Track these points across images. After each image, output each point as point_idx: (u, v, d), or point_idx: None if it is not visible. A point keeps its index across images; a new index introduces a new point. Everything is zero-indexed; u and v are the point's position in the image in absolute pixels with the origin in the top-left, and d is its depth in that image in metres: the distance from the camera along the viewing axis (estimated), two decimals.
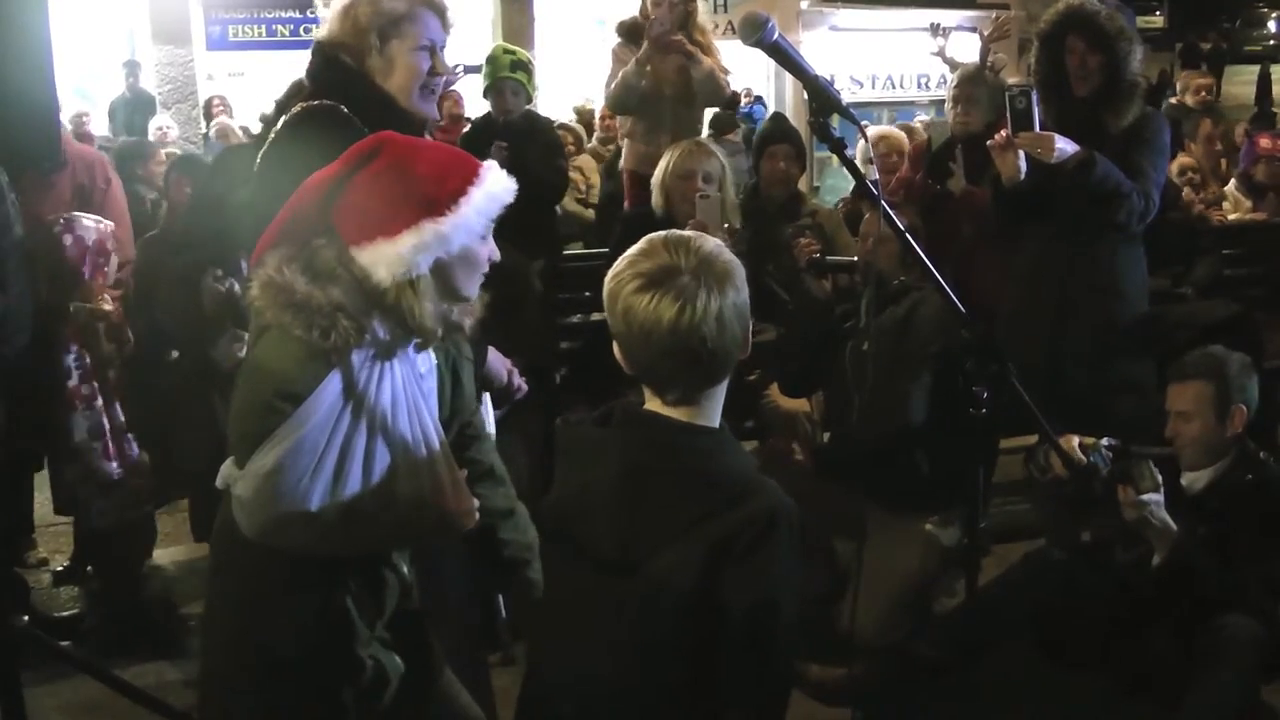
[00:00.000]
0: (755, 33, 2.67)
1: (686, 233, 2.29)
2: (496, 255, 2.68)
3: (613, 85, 6.19)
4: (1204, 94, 9.48)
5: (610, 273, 2.26)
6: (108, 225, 5.00)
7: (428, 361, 2.73)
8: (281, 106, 3.42)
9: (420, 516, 2.65)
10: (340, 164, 2.53)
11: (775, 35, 2.68)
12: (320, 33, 3.46)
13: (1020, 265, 5.05)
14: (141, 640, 4.87)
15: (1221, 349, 4.17)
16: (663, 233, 2.28)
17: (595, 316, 6.01)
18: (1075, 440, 3.88)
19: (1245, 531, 3.93)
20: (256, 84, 16.31)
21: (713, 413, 2.31)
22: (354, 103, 3.27)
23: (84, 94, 14.06)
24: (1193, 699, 3.77)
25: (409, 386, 2.62)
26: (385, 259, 2.43)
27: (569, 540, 2.35)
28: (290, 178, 2.72)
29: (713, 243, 2.27)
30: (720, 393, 2.31)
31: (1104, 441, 3.91)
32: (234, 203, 4.13)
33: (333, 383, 2.47)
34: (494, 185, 2.55)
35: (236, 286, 4.80)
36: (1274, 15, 36.65)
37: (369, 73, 3.33)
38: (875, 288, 4.66)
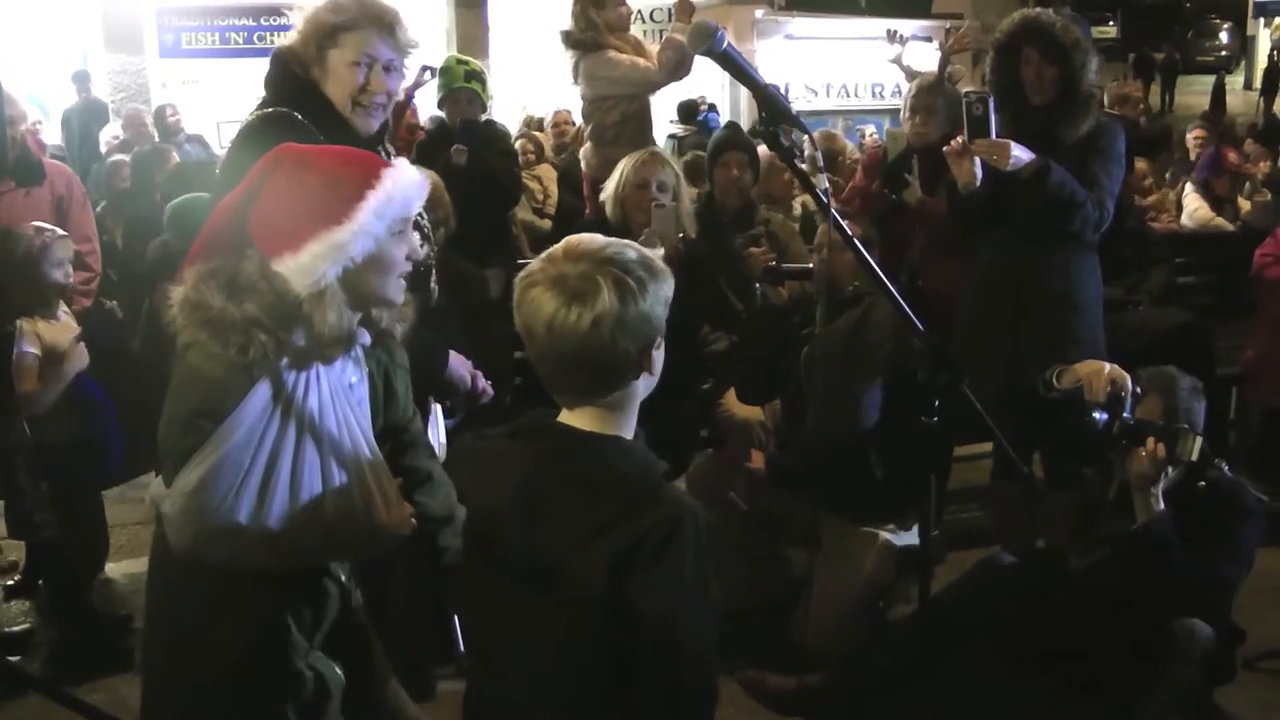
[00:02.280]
0: (704, 41, 2.67)
1: (600, 237, 2.24)
2: (418, 253, 2.68)
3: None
4: (1140, 105, 9.51)
5: (518, 277, 2.25)
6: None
7: (358, 371, 2.72)
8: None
9: (351, 528, 2.64)
10: (248, 179, 2.54)
11: (725, 44, 2.67)
12: (284, 42, 3.47)
13: (976, 273, 5.08)
14: (94, 656, 4.81)
15: (1174, 369, 4.20)
16: (579, 235, 2.26)
17: None
18: (1107, 368, 3.95)
19: (1197, 537, 3.96)
20: (210, 92, 16.21)
21: (622, 423, 2.28)
22: (308, 112, 3.29)
23: (37, 102, 13.92)
24: (1146, 702, 3.80)
25: (337, 398, 2.62)
26: (292, 271, 2.44)
27: (484, 553, 2.33)
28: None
29: (633, 251, 2.23)
30: (628, 401, 2.28)
31: (1136, 389, 3.99)
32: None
33: (256, 397, 2.47)
34: (394, 186, 2.54)
35: None
36: (1225, 26, 37.07)
37: (316, 82, 3.35)
38: (828, 295, 4.67)
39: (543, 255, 2.23)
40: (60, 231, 4.99)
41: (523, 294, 2.20)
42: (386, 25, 3.38)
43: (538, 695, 2.22)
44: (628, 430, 2.29)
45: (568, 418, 2.28)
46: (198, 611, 2.57)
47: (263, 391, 2.47)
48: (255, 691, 2.59)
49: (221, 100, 16.13)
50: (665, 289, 2.23)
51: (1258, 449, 6.60)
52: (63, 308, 4.95)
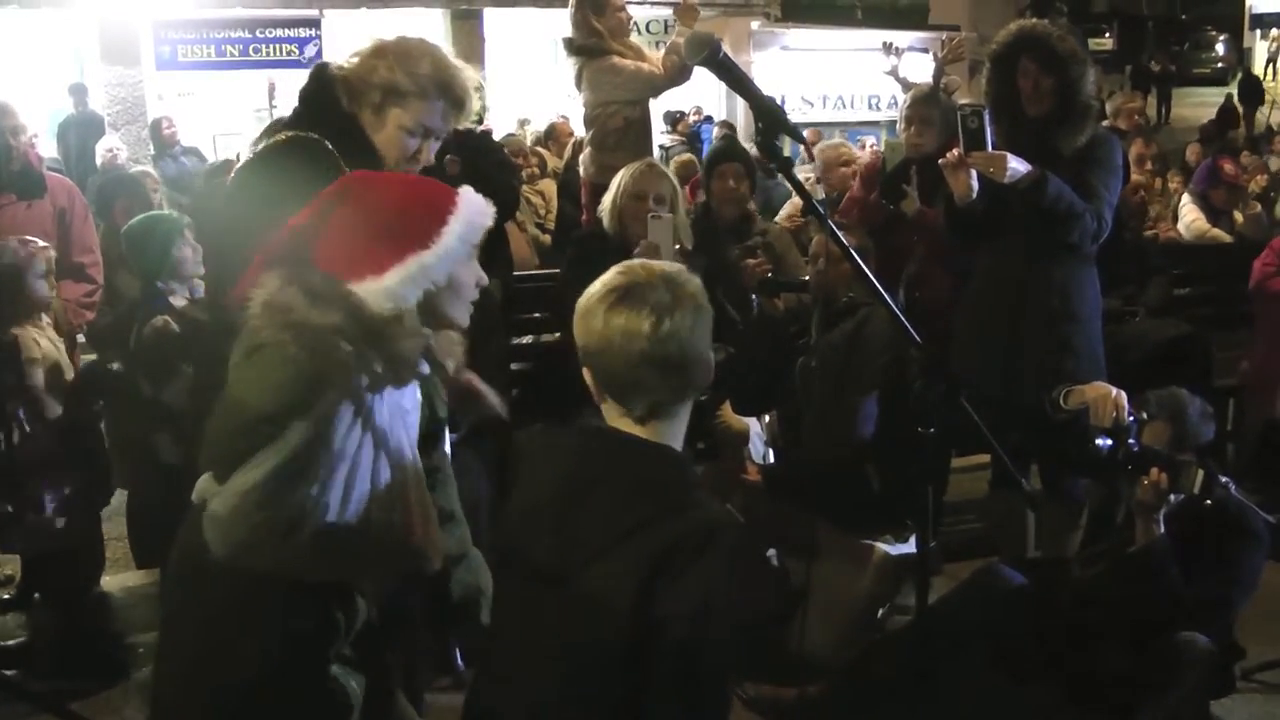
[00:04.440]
0: (701, 51, 2.67)
1: (654, 260, 2.42)
2: (484, 279, 2.72)
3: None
4: (1136, 116, 9.55)
5: (584, 294, 2.37)
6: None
7: (413, 398, 2.73)
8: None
9: (392, 548, 2.64)
10: (313, 209, 2.55)
11: (721, 55, 2.68)
12: (338, 60, 3.39)
13: (973, 285, 5.07)
14: (90, 669, 4.79)
15: (1184, 392, 4.20)
16: (633, 260, 2.40)
17: (547, 338, 6.01)
18: (1114, 393, 3.97)
19: (1200, 559, 3.95)
20: (205, 104, 16.24)
21: (672, 436, 2.37)
22: (341, 142, 3.23)
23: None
24: (1145, 714, 3.79)
25: (394, 419, 2.62)
26: (373, 293, 2.44)
27: (515, 551, 2.37)
28: (267, 206, 2.79)
29: (678, 268, 2.40)
30: (682, 416, 2.40)
31: (1143, 414, 3.99)
32: None
33: (333, 408, 2.47)
34: (472, 210, 2.58)
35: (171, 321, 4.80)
36: (1221, 38, 37.13)
37: (356, 115, 3.30)
38: (824, 305, 4.67)
39: (604, 278, 2.39)
40: (42, 243, 4.99)
41: (606, 313, 2.35)
42: (457, 102, 3.33)
43: (553, 697, 2.23)
44: (676, 442, 2.39)
45: (618, 424, 2.37)
46: (228, 621, 2.54)
47: (332, 403, 2.47)
48: (284, 705, 2.57)
49: (218, 112, 16.17)
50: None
51: (1257, 460, 6.61)
52: (45, 320, 4.96)
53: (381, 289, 2.44)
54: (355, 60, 3.32)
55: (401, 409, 2.66)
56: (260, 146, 3.32)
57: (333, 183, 2.64)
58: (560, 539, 2.25)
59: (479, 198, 2.63)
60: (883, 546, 4.62)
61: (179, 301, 4.99)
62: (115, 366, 5.01)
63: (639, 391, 2.37)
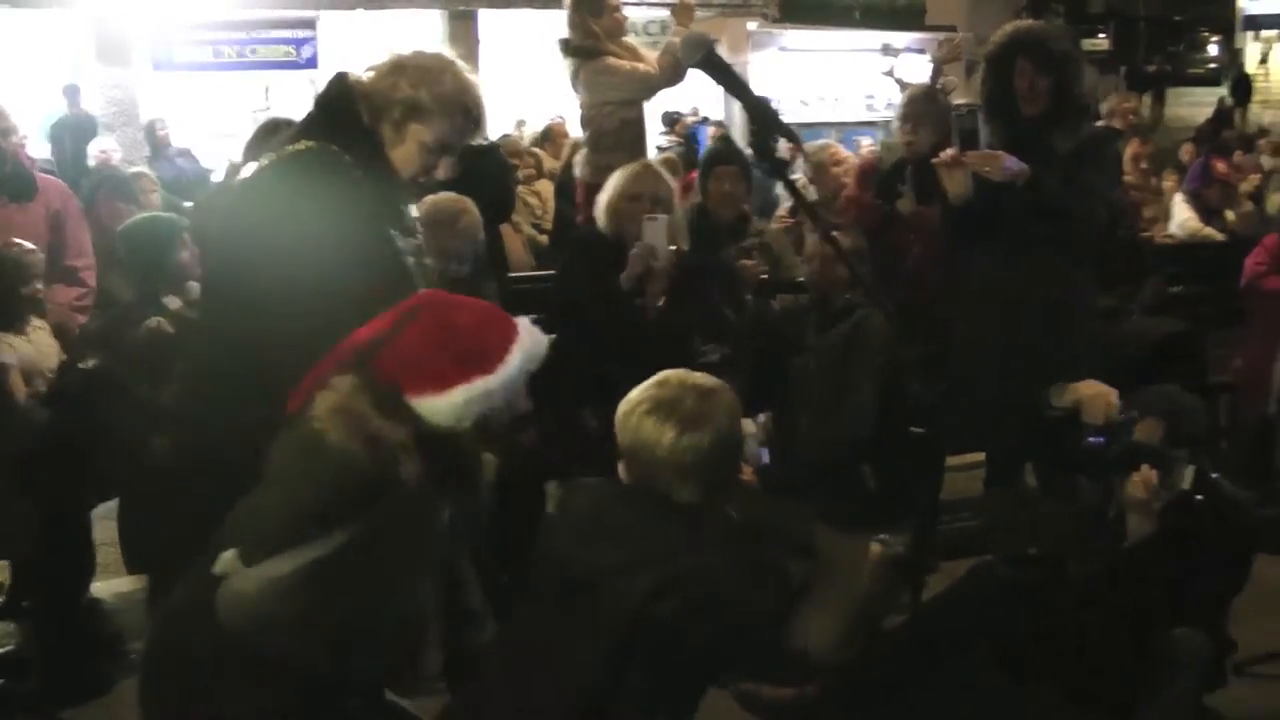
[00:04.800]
0: (695, 53, 2.68)
1: (697, 375, 2.73)
2: (526, 406, 2.93)
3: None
4: (1130, 116, 9.58)
5: (625, 398, 2.71)
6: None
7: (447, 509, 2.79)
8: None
9: (392, 655, 2.72)
10: (386, 320, 2.65)
11: (715, 56, 2.69)
12: (358, 72, 3.39)
13: (971, 284, 5.08)
14: (82, 677, 4.75)
15: (1177, 389, 4.21)
16: (671, 373, 2.70)
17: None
18: (1107, 390, 3.97)
19: (1195, 548, 3.96)
20: (201, 105, 16.20)
21: None
22: (357, 152, 3.24)
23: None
24: (1143, 711, 3.80)
25: (424, 528, 2.69)
26: (435, 409, 2.54)
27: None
28: (284, 216, 2.96)
29: (715, 382, 2.77)
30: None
31: (1135, 412, 4.00)
32: None
33: (377, 517, 2.51)
34: (532, 341, 2.70)
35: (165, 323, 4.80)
36: (1214, 39, 37.30)
37: (378, 132, 3.30)
38: (820, 306, 4.68)
39: (654, 381, 2.76)
40: (30, 246, 4.99)
41: (633, 409, 2.71)
42: (473, 118, 3.37)
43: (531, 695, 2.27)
44: None
45: None
46: (219, 690, 2.58)
47: (391, 515, 2.54)
48: None
49: (213, 114, 16.13)
50: None
51: (1251, 456, 6.63)
52: (37, 323, 4.95)
53: (446, 405, 2.54)
54: (374, 74, 3.32)
55: (433, 520, 2.74)
56: (278, 155, 3.29)
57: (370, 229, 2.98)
58: (572, 559, 2.45)
59: (538, 332, 2.76)
60: (881, 545, 4.62)
61: (173, 303, 4.97)
62: (92, 364, 4.97)
63: (663, 487, 2.66)
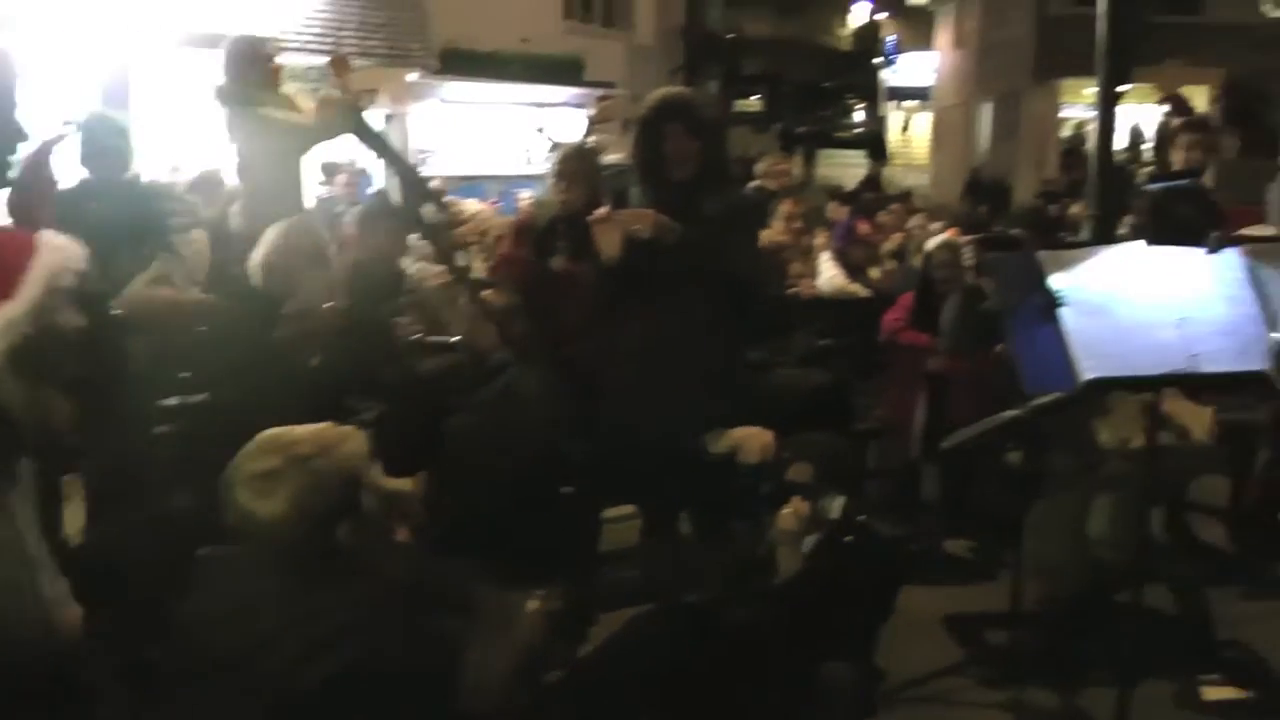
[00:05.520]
0: (347, 121, 2.68)
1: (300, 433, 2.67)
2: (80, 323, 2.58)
3: None
4: (783, 177, 9.98)
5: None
6: None
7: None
8: None
9: None
10: None
11: (365, 124, 2.69)
12: None
13: (624, 341, 5.17)
14: None
15: (827, 436, 4.41)
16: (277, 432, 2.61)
17: (195, 398, 5.81)
18: (759, 433, 4.08)
19: (844, 584, 4.14)
20: None
21: None
22: None
23: None
24: None
25: None
26: None
27: None
28: None
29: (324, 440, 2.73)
30: None
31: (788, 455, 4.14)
32: None
33: None
34: (57, 258, 2.46)
35: None
36: (861, 106, 40.21)
37: None
38: (473, 364, 4.70)
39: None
40: None
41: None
42: None
43: None
44: None
45: None
46: None
47: None
48: None
49: None
50: None
51: (895, 497, 7.03)
52: None
53: None
54: None
55: None
56: None
57: None
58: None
59: (62, 240, 2.52)
60: (537, 601, 4.65)
61: None
62: None
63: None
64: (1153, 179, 7.81)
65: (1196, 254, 3.94)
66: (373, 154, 2.78)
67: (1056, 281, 4.09)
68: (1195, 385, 4.69)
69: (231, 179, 7.82)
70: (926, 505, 7.00)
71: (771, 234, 7.85)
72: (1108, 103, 10.81)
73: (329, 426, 2.84)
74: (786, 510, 4.04)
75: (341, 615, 2.29)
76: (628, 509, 5.67)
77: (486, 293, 5.35)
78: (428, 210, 2.83)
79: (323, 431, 2.73)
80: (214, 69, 6.35)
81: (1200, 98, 18.72)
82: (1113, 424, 5.32)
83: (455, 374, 4.95)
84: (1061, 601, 4.98)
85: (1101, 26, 10.64)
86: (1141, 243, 4.48)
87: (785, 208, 8.48)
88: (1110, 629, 4.72)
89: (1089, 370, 3.95)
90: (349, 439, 2.83)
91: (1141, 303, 4.10)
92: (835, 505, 4.06)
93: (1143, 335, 4.03)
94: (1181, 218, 6.71)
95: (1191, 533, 6.71)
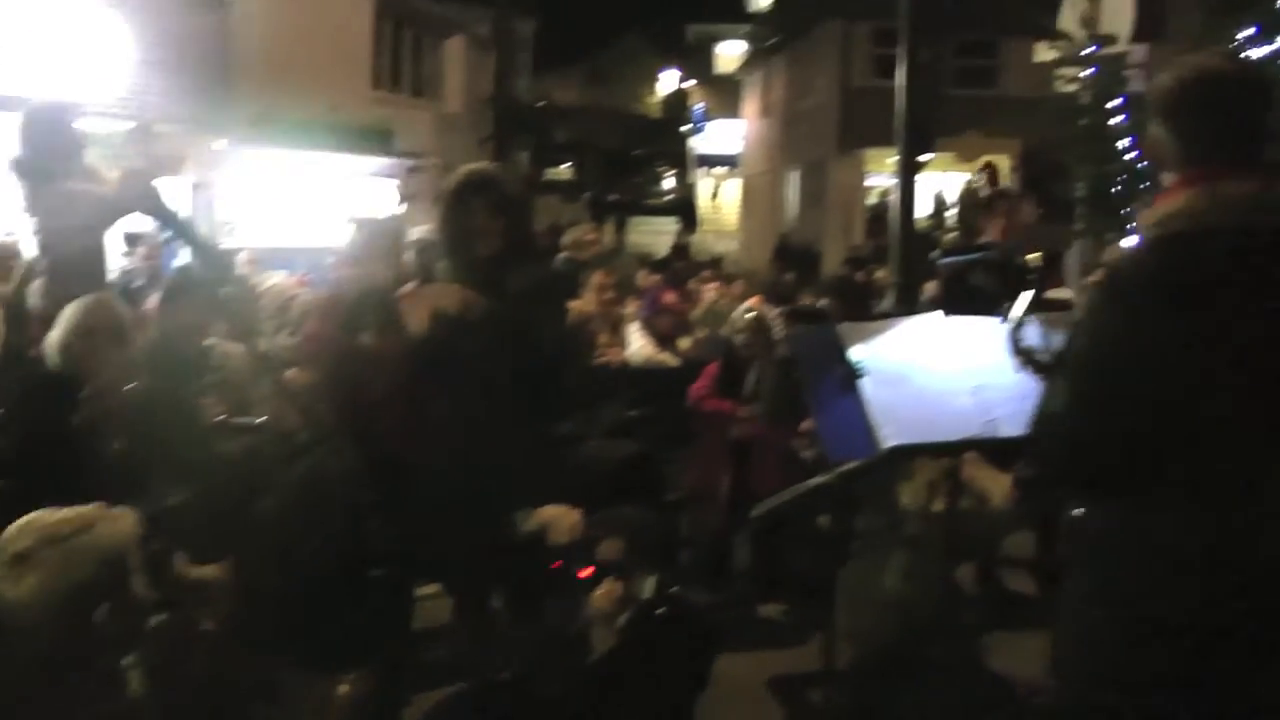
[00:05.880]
0: (142, 199, 2.65)
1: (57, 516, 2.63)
2: None
3: None
4: (593, 246, 10.05)
5: None
6: None
7: None
8: None
9: None
10: None
11: (160, 203, 2.67)
12: None
13: (431, 418, 5.14)
14: None
15: (632, 510, 4.45)
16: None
17: None
18: (567, 512, 4.08)
19: (659, 657, 4.17)
20: None
21: None
22: None
23: None
24: None
25: None
26: None
27: None
28: None
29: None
30: None
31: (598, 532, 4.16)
32: None
33: None
34: None
35: None
36: (671, 173, 40.47)
37: None
38: (278, 445, 4.65)
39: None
40: None
41: None
42: None
43: None
44: None
45: None
46: None
47: None
48: None
49: None
50: None
51: (708, 566, 7.11)
52: None
53: None
54: None
55: None
56: None
57: None
58: None
59: None
60: (348, 685, 4.58)
61: None
62: None
63: None
64: (952, 248, 8.09)
65: (991, 322, 4.06)
66: (169, 231, 2.74)
67: (856, 353, 4.22)
68: (994, 449, 4.84)
69: (28, 252, 7.58)
70: (738, 572, 7.11)
71: (582, 305, 7.94)
72: (908, 172, 11.27)
73: (97, 506, 2.77)
74: (599, 591, 4.07)
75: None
76: (439, 587, 5.65)
77: (290, 372, 5.28)
78: (226, 287, 2.80)
79: (87, 511, 2.68)
80: (11, 138, 6.14)
81: (1002, 165, 19.50)
82: (913, 488, 5.49)
83: (260, 456, 4.87)
84: (872, 660, 5.08)
85: (900, 100, 11.09)
86: (939, 313, 4.65)
87: (597, 278, 8.56)
88: (919, 684, 4.83)
89: (889, 438, 4.09)
90: (116, 519, 2.75)
91: (938, 371, 4.27)
92: (648, 584, 4.10)
93: (940, 403, 4.19)
94: (977, 287, 6.99)
95: (1003, 585, 6.96)
